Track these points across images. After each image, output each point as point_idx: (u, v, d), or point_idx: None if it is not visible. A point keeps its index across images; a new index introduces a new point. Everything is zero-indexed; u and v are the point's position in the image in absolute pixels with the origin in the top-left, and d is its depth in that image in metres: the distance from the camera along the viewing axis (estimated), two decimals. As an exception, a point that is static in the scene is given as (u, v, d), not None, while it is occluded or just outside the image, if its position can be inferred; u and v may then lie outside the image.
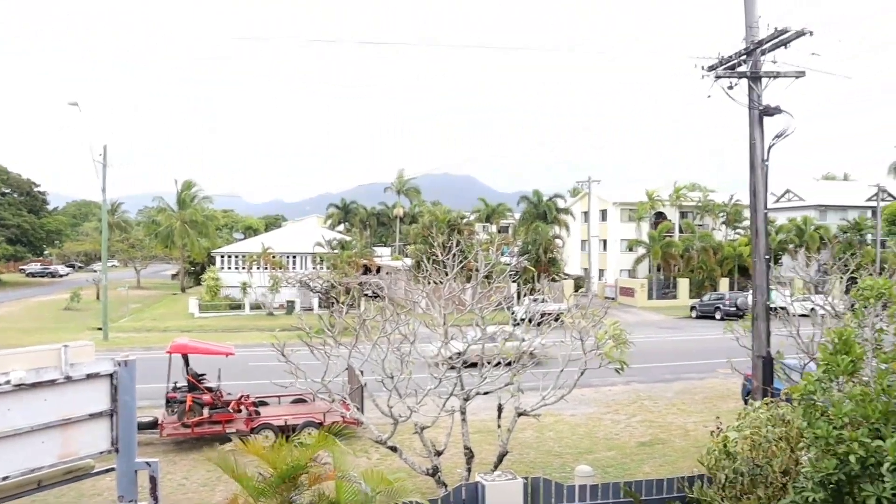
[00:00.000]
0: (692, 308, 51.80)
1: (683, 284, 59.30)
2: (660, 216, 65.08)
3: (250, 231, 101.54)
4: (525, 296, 14.82)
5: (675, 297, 59.13)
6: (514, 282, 39.38)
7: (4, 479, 6.64)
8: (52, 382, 6.81)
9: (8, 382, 6.47)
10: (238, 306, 53.25)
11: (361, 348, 12.92)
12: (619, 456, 17.45)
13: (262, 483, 6.93)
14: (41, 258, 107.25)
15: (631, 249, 62.61)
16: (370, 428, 12.92)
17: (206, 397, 18.89)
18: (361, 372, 14.05)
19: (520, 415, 12.67)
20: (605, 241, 66.44)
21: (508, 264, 18.23)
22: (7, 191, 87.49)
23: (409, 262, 51.81)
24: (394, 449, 12.39)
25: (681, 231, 64.41)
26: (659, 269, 61.50)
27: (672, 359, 31.56)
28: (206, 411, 18.74)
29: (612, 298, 60.06)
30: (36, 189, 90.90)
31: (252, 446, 7.14)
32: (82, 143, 39.40)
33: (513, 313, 14.49)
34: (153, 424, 18.33)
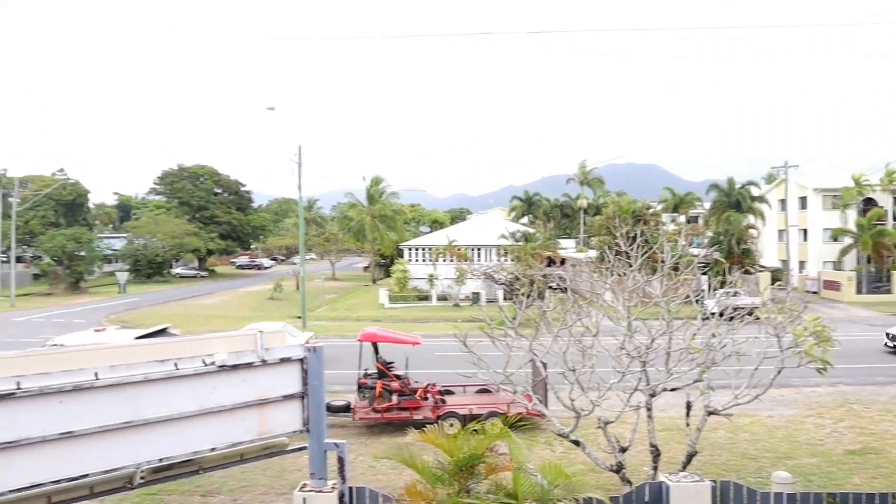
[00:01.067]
0: (910, 303, 46.88)
1: (899, 278, 53.86)
2: (869, 202, 59.32)
3: (436, 224, 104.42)
4: (716, 289, 14.04)
5: (888, 291, 53.77)
6: (703, 274, 37.53)
7: (212, 449, 7.24)
8: (250, 365, 7.33)
9: (213, 364, 7.04)
10: (425, 297, 54.89)
11: (542, 340, 12.79)
12: (824, 464, 16.05)
13: (439, 471, 7.04)
14: (249, 252, 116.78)
15: (835, 239, 57.60)
16: (553, 421, 12.77)
17: (395, 384, 19.57)
18: (544, 364, 13.93)
19: (710, 413, 12.00)
20: (804, 231, 61.66)
21: (697, 255, 17.32)
22: (219, 191, 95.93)
23: (592, 253, 50.93)
24: (577, 443, 12.17)
25: (895, 219, 58.43)
26: (869, 261, 56.13)
27: (885, 360, 28.69)
28: (394, 398, 19.43)
29: (815, 292, 55.64)
30: (243, 189, 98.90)
31: (428, 436, 7.27)
32: (280, 145, 42.18)
33: (702, 307, 13.73)
34: (347, 408, 19.29)
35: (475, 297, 52.86)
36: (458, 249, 58.50)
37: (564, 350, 12.35)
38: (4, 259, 70.50)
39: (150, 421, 6.73)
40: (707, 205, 66.50)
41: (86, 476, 6.53)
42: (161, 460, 6.98)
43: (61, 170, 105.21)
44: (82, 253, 71.25)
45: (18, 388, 5.98)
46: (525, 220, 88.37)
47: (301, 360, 7.71)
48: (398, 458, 7.45)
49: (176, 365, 6.87)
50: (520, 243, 57.10)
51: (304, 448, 8.46)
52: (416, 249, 63.32)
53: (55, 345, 23.29)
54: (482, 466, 7.01)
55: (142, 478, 7.11)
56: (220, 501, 14.17)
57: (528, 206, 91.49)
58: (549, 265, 52.84)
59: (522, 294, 14.59)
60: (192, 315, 48.62)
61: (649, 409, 12.49)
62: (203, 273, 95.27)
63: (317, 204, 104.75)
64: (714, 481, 9.82)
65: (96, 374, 6.39)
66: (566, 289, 14.43)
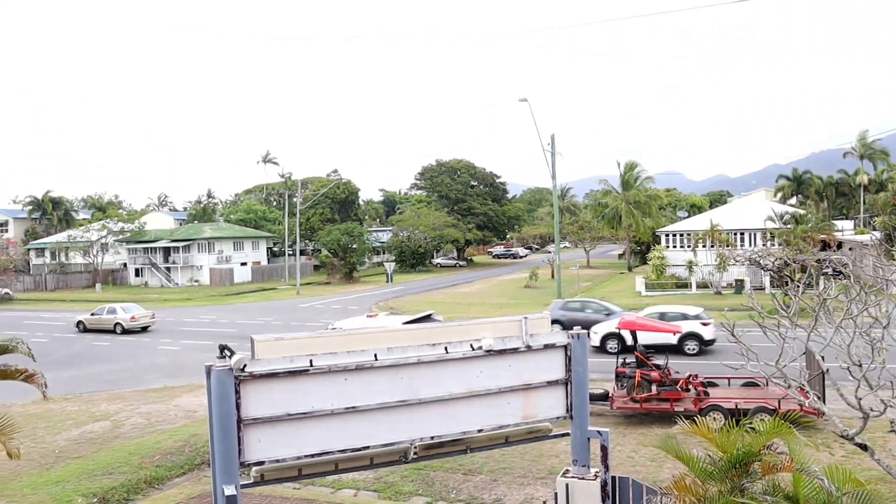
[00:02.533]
0: None
1: None
2: None
3: (694, 209, 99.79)
4: None
5: None
6: None
7: (479, 430, 7.54)
8: (514, 350, 7.51)
9: (480, 348, 7.32)
10: (684, 285, 52.76)
11: (822, 331, 11.70)
12: None
13: (710, 466, 6.71)
14: (504, 241, 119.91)
15: None
16: (833, 420, 11.65)
17: (655, 374, 19.04)
18: (822, 357, 12.73)
19: None
20: None
21: None
22: (475, 183, 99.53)
23: (877, 235, 45.65)
24: (863, 447, 10.98)
25: None
26: None
27: None
28: (654, 388, 18.91)
29: None
30: (498, 180, 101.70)
31: (699, 428, 6.95)
32: (532, 135, 42.62)
33: None
34: (604, 396, 19.10)
35: (739, 285, 49.73)
36: (720, 234, 55.40)
37: (848, 342, 11.19)
38: (290, 252, 78.96)
39: (424, 400, 7.15)
40: None
41: (367, 448, 7.10)
42: (433, 438, 7.39)
43: (335, 171, 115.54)
44: (355, 246, 77.70)
45: (311, 366, 6.64)
46: (794, 200, 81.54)
47: (565, 347, 7.76)
48: (666, 449, 7.23)
49: (446, 349, 7.23)
50: (789, 226, 52.77)
51: (566, 434, 8.50)
52: (674, 235, 61.03)
53: (334, 328, 25.66)
54: (758, 465, 6.57)
55: (415, 453, 7.57)
56: (480, 481, 14.75)
57: (796, 185, 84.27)
58: (823, 249, 48.26)
59: (797, 281, 13.46)
60: (452, 302, 51.04)
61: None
62: (462, 262, 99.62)
63: (570, 192, 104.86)
64: None
65: (375, 356, 6.92)
66: (845, 275, 13.04)
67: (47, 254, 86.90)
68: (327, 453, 6.89)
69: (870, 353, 11.09)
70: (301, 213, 77.07)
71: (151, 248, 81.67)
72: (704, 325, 27.45)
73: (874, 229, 52.44)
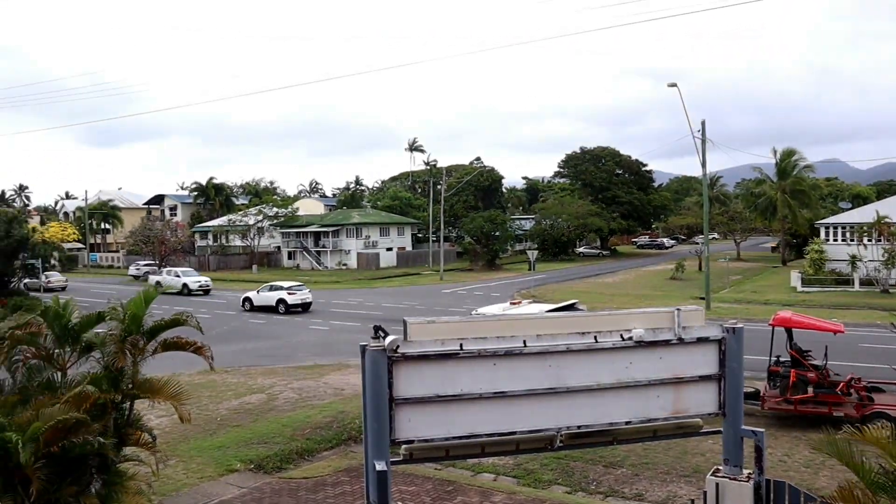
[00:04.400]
0: None
1: None
2: None
3: (858, 199, 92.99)
4: None
5: None
6: None
7: (627, 423, 7.42)
8: (666, 342, 7.31)
9: (630, 339, 7.19)
10: (846, 281, 49.34)
11: None
12: None
13: (882, 477, 6.25)
14: (649, 231, 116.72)
15: None
16: None
17: (811, 375, 17.95)
18: None
19: None
20: None
21: None
22: (620, 171, 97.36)
23: None
24: None
25: None
26: None
27: None
28: (810, 390, 17.85)
29: None
30: (644, 169, 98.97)
31: (871, 435, 6.48)
32: (681, 122, 41.09)
33: None
34: (755, 395, 18.19)
35: (910, 283, 45.95)
36: (888, 227, 51.30)
37: None
38: (434, 238, 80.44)
39: (571, 389, 7.11)
40: None
41: (513, 433, 7.15)
42: (579, 427, 7.34)
43: (478, 158, 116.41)
44: (497, 233, 78.09)
45: (461, 350, 6.77)
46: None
47: (719, 341, 7.48)
48: (832, 453, 6.80)
49: (595, 338, 7.15)
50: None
51: (716, 432, 8.20)
52: (835, 228, 57.12)
53: (477, 314, 25.90)
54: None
55: (561, 441, 7.55)
56: (621, 474, 14.51)
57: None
58: None
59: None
60: (595, 292, 50.29)
61: None
62: (605, 252, 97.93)
63: (720, 181, 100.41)
64: None
65: (524, 342, 6.95)
66: None
67: (210, 236, 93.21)
68: (475, 436, 7.00)
69: None
70: (445, 200, 78.30)
71: (303, 232, 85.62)
72: None
73: None
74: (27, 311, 12.00)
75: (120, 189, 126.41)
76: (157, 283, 49.90)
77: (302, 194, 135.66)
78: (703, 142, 41.68)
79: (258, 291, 45.27)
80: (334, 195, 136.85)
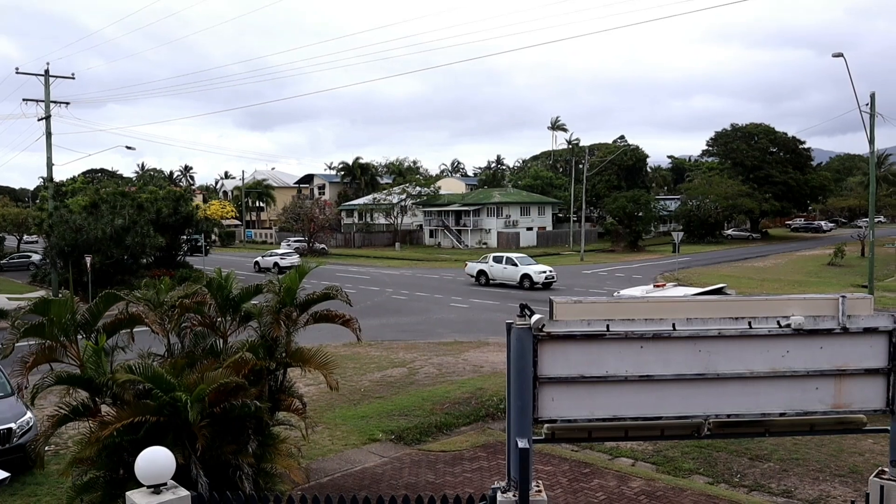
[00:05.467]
0: None
1: None
2: None
3: None
4: None
5: None
6: None
7: (781, 414, 7.04)
8: (828, 331, 6.86)
9: (788, 326, 6.80)
10: None
11: None
12: None
13: None
14: (805, 213, 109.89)
15: None
16: None
17: None
18: None
19: None
20: None
21: None
22: (774, 150, 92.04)
23: None
24: None
25: None
26: None
27: None
28: None
29: None
30: (801, 147, 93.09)
31: None
32: (845, 95, 38.21)
33: None
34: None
35: None
36: None
37: None
38: (575, 218, 79.47)
39: (722, 376, 6.83)
40: None
41: (659, 419, 6.97)
42: (729, 416, 7.05)
43: (622, 137, 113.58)
44: (640, 213, 76.11)
45: (608, 331, 6.65)
46: None
47: (889, 333, 6.94)
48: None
49: (749, 324, 6.82)
50: None
51: (882, 430, 7.66)
52: None
53: (619, 296, 25.39)
54: None
55: (708, 429, 7.30)
56: (768, 468, 13.82)
57: None
58: None
59: None
60: (743, 276, 48.08)
61: None
62: (755, 235, 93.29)
63: (889, 159, 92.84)
64: None
65: (673, 325, 6.74)
66: None
67: (355, 214, 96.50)
68: (619, 419, 6.88)
69: None
70: (587, 179, 77.07)
71: (444, 211, 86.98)
72: None
73: None
74: (193, 282, 12.90)
75: (273, 169, 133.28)
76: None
77: (444, 174, 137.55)
78: (872, 116, 38.58)
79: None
80: (475, 175, 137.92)
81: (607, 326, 6.62)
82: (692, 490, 12.71)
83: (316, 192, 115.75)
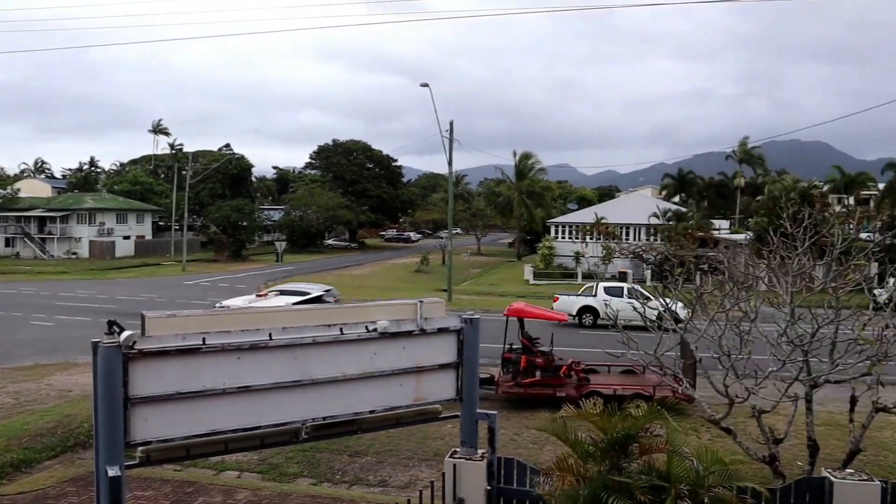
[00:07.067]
0: None
1: None
2: None
3: (584, 201, 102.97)
4: (891, 276, 13.04)
5: None
6: (877, 261, 34.87)
7: (372, 412, 7.63)
8: (409, 333, 7.62)
9: (375, 330, 7.39)
10: (571, 275, 54.50)
11: (697, 323, 12.44)
12: None
13: (591, 447, 7.07)
14: (397, 225, 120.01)
15: None
16: (702, 406, 12.44)
17: (539, 360, 19.63)
18: (695, 347, 13.56)
19: (878, 410, 11.22)
20: None
21: (871, 240, 16.13)
22: (371, 165, 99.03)
23: (750, 235, 48.62)
24: (728, 430, 11.79)
25: None
26: None
27: None
28: (538, 373, 19.51)
29: None
30: (393, 164, 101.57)
31: (584, 412, 7.30)
32: (430, 120, 42.78)
33: (874, 296, 12.81)
34: (490, 381, 19.52)
35: (622, 277, 51.82)
36: (607, 227, 57.50)
37: (720, 334, 11.95)
38: (177, 227, 76.29)
39: (317, 381, 7.16)
40: (882, 185, 61.78)
41: (258, 428, 7.05)
42: (325, 418, 7.41)
43: (227, 145, 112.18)
44: (245, 223, 75.86)
45: (204, 344, 6.53)
46: (677, 198, 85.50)
47: (458, 332, 7.94)
48: (550, 431, 7.55)
49: (341, 330, 7.26)
50: (671, 223, 55.43)
51: (454, 416, 8.71)
52: (563, 226, 62.86)
53: (221, 307, 25.03)
54: (635, 446, 6.98)
55: (306, 433, 7.57)
56: (366, 462, 14.86)
57: (680, 184, 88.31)
58: (701, 246, 50.96)
59: (676, 275, 14.23)
60: (343, 284, 50.64)
61: (809, 401, 11.88)
62: (353, 244, 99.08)
63: (465, 179, 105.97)
64: (885, 482, 9.16)
65: (270, 335, 6.88)
66: (720, 271, 13.91)
67: None
68: (218, 433, 6.80)
69: (738, 344, 11.89)
70: (190, 187, 74.46)
71: (25, 216, 76.96)
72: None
73: (748, 230, 55.74)
74: None
75: None
76: None
77: (25, 174, 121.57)
78: (451, 141, 43.72)
79: None
80: (65, 177, 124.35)
81: (203, 340, 6.51)
82: (297, 493, 13.06)
83: None
